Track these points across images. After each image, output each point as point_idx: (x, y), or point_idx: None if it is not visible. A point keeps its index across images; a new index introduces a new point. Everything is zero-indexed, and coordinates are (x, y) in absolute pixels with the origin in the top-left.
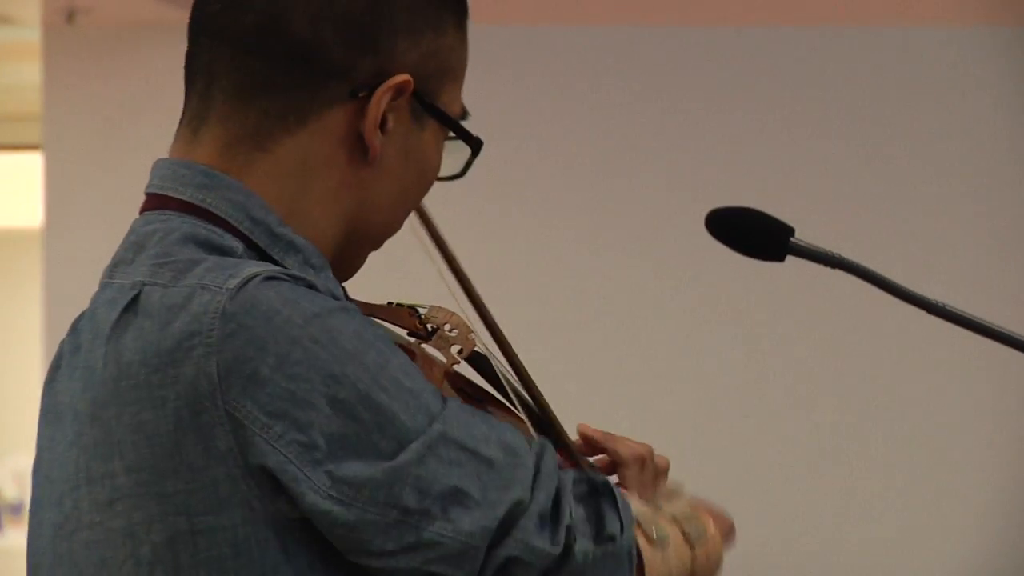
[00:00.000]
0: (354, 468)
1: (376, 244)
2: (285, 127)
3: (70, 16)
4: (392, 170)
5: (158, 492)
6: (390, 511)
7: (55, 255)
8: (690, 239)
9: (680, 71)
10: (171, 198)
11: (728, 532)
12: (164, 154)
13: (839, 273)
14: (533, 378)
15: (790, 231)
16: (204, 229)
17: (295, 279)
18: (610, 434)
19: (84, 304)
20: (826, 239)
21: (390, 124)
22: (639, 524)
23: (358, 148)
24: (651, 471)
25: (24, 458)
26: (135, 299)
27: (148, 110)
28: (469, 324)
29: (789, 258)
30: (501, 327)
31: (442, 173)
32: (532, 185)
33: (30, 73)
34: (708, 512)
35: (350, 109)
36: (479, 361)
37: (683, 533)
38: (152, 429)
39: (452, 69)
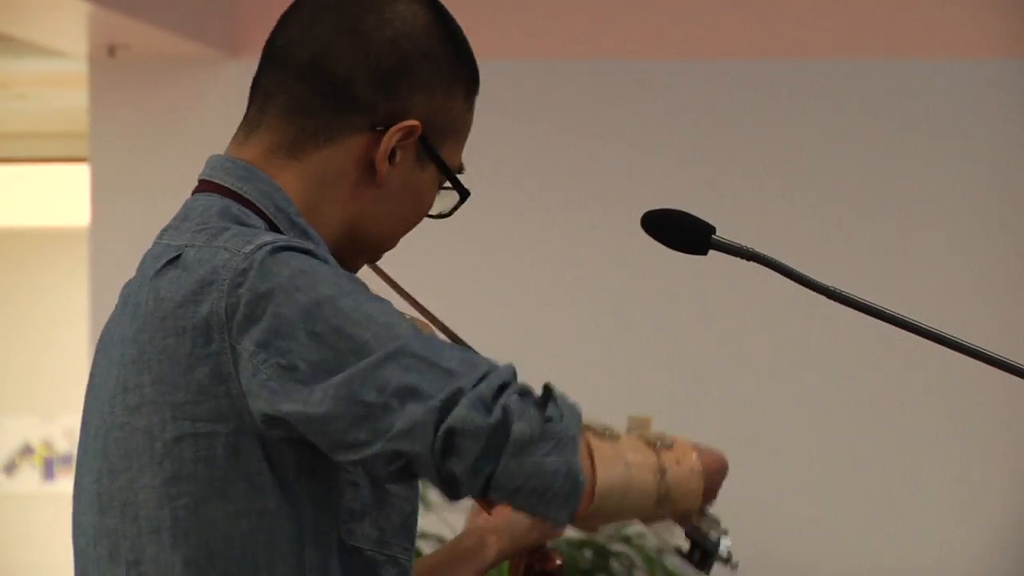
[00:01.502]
0: (325, 380)
1: (371, 255)
2: (316, 143)
3: (111, 50)
4: (392, 195)
5: (172, 401)
6: (355, 406)
7: (99, 249)
8: (628, 237)
9: (637, 103)
10: (216, 184)
11: (716, 464)
12: (191, 166)
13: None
14: None
15: (712, 229)
16: (237, 208)
17: (298, 249)
18: None
19: (122, 285)
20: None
21: (397, 158)
22: (588, 425)
23: (369, 171)
24: None
25: (73, 417)
26: (178, 256)
27: (178, 129)
28: (431, 327)
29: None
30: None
31: (432, 211)
32: (495, 193)
33: (78, 98)
34: (687, 441)
35: (368, 138)
36: None
37: (644, 439)
38: (174, 351)
39: (456, 129)
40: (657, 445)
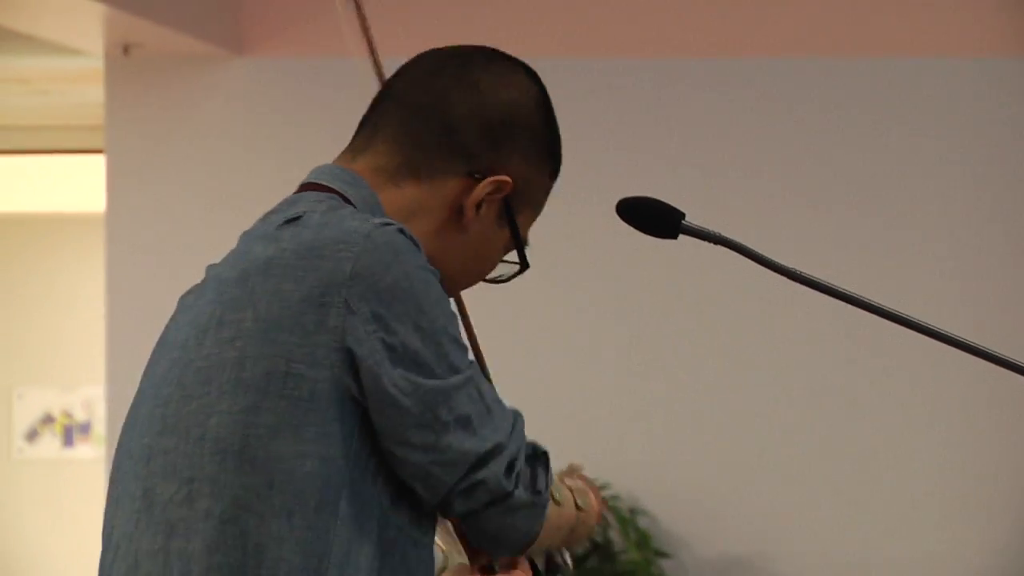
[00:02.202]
0: (416, 375)
1: None
2: (416, 176)
3: (126, 49)
4: (470, 244)
5: (273, 339)
6: (427, 413)
7: (114, 232)
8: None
9: (625, 101)
10: (323, 185)
11: (602, 506)
12: (199, 155)
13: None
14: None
15: (682, 215)
16: (341, 204)
17: (415, 240)
18: None
19: (136, 266)
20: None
21: (483, 209)
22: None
23: (457, 215)
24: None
25: (92, 389)
26: (297, 217)
27: (187, 123)
28: None
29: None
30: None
31: (491, 275)
32: None
33: (95, 94)
34: (593, 488)
35: (464, 183)
36: None
37: (575, 500)
38: (287, 295)
39: (534, 202)
40: (580, 504)
